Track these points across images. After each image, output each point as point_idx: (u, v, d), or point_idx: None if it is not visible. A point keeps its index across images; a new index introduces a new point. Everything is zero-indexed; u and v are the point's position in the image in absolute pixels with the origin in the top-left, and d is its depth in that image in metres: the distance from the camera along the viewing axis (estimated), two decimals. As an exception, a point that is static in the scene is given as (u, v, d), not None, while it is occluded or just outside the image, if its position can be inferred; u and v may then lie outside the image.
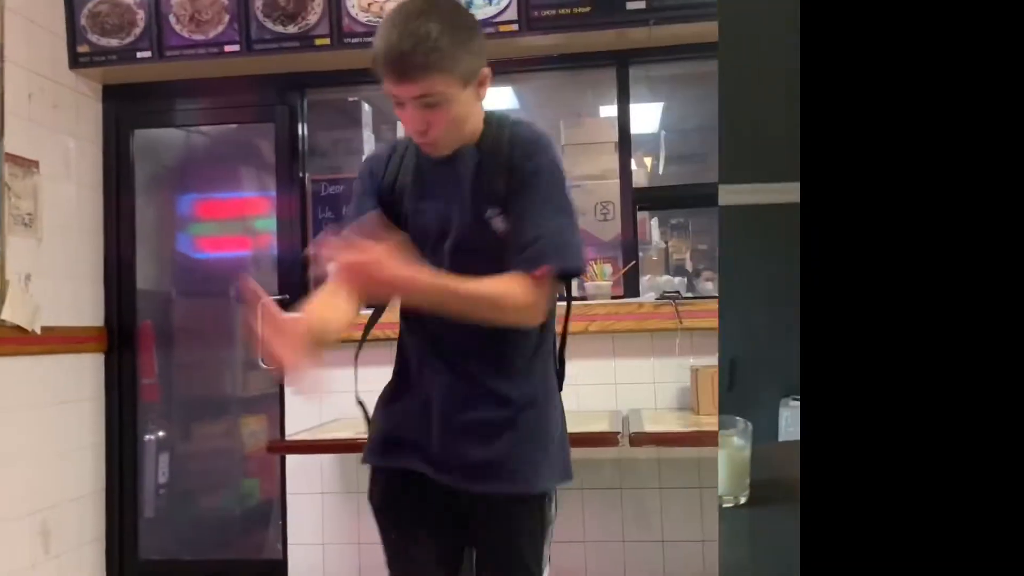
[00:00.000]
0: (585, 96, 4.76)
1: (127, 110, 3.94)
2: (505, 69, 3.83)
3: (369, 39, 3.50)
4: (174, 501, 4.02)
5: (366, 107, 4.15)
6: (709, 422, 2.89)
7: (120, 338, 3.87)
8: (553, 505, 1.69)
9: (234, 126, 4.17)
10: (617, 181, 3.76)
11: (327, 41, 3.56)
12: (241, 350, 4.02)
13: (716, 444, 3.09)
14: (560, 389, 1.78)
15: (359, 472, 3.49)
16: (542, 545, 1.67)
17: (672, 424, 2.90)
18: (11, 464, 3.23)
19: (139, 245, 3.95)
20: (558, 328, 1.77)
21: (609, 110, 4.02)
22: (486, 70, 1.63)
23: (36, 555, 3.35)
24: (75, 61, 3.68)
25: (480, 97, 1.65)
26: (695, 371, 3.16)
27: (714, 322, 3.29)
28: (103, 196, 3.91)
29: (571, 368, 3.34)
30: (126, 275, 3.90)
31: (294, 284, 3.77)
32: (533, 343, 1.68)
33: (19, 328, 3.26)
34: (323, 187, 3.83)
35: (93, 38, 3.66)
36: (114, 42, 3.66)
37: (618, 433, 2.74)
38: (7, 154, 3.28)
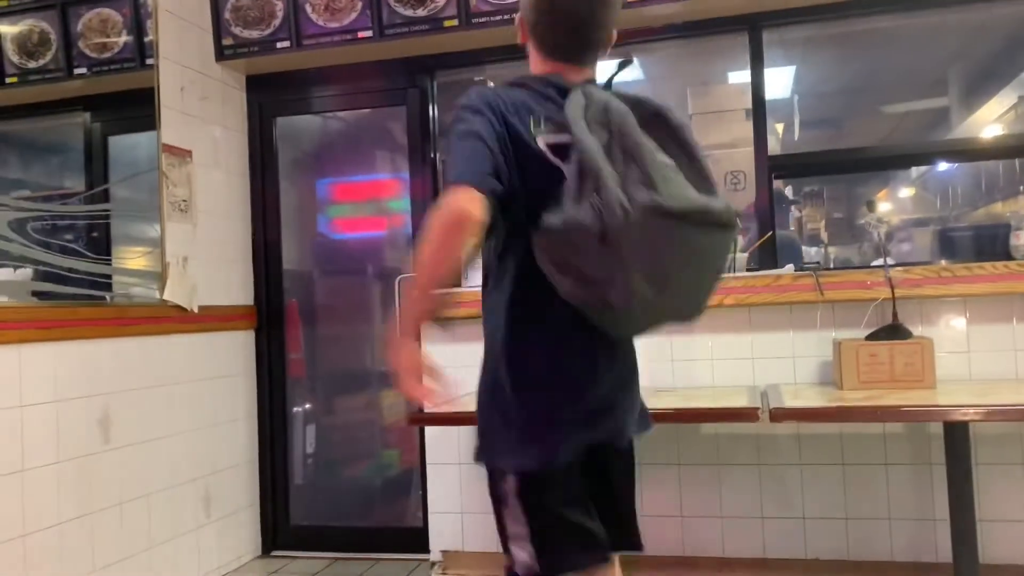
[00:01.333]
0: (712, 63, 4.63)
1: (269, 99, 4.13)
2: (628, 40, 3.78)
3: (497, 18, 3.56)
4: (320, 470, 4.23)
5: (491, 85, 4.18)
6: (853, 397, 2.79)
7: (269, 316, 4.09)
8: (509, 484, 1.70)
9: (368, 110, 4.29)
10: (745, 149, 3.65)
11: (455, 23, 3.61)
12: (379, 325, 4.16)
13: (861, 420, 2.98)
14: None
15: (495, 445, 3.57)
16: (502, 518, 1.72)
17: (814, 399, 2.81)
18: (175, 434, 3.48)
19: (283, 227, 4.15)
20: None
21: (737, 76, 3.91)
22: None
23: (199, 518, 3.60)
24: (221, 54, 3.88)
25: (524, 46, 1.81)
26: (838, 344, 3.05)
27: (858, 293, 3.17)
28: (249, 181, 4.12)
29: (707, 342, 3.29)
30: (272, 256, 4.11)
31: (428, 262, 3.86)
32: (494, 317, 1.77)
33: (179, 307, 3.50)
34: (453, 166, 3.89)
35: (236, 31, 3.85)
36: (255, 34, 3.84)
37: (758, 408, 2.68)
38: (164, 145, 3.52)
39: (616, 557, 1.86)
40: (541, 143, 1.60)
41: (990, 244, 3.54)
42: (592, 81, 1.76)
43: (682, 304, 1.61)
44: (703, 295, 1.62)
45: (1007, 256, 3.21)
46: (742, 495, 3.32)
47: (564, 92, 1.65)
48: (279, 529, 4.07)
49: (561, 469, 1.69)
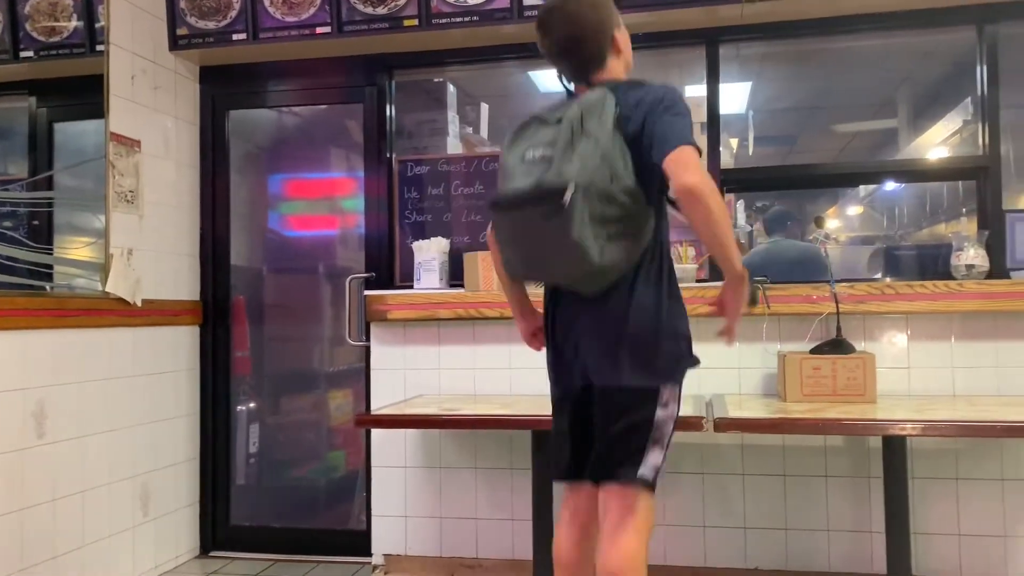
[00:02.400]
0: (670, 76, 4.68)
1: (223, 91, 4.06)
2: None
3: (457, 19, 3.55)
4: (263, 470, 4.17)
5: (451, 88, 4.17)
6: (796, 409, 2.84)
7: (215, 312, 4.02)
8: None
9: (324, 107, 4.25)
10: (702, 162, 3.68)
11: (415, 22, 3.59)
12: (328, 326, 4.12)
13: (803, 432, 3.03)
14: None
15: (442, 447, 3.56)
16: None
17: (757, 411, 2.85)
18: (114, 430, 3.39)
19: (233, 222, 4.08)
20: None
21: (694, 90, 3.94)
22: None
23: (136, 516, 3.52)
24: (175, 43, 3.81)
25: None
26: (783, 357, 3.10)
27: (803, 308, 3.22)
28: (200, 174, 4.05)
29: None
30: (221, 251, 4.04)
31: (381, 262, 3.84)
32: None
33: (121, 300, 3.42)
34: (409, 167, 3.88)
35: (191, 20, 3.78)
36: (211, 24, 3.77)
37: (703, 418, 2.71)
38: (111, 133, 3.43)
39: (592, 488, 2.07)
40: None
41: (932, 263, 3.63)
42: (602, 84, 1.98)
43: (537, 268, 1.98)
44: (548, 259, 1.88)
45: (948, 275, 3.29)
46: (685, 503, 3.35)
47: None
48: (219, 529, 3.99)
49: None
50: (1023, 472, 3.11)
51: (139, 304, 3.51)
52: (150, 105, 3.69)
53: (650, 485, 1.98)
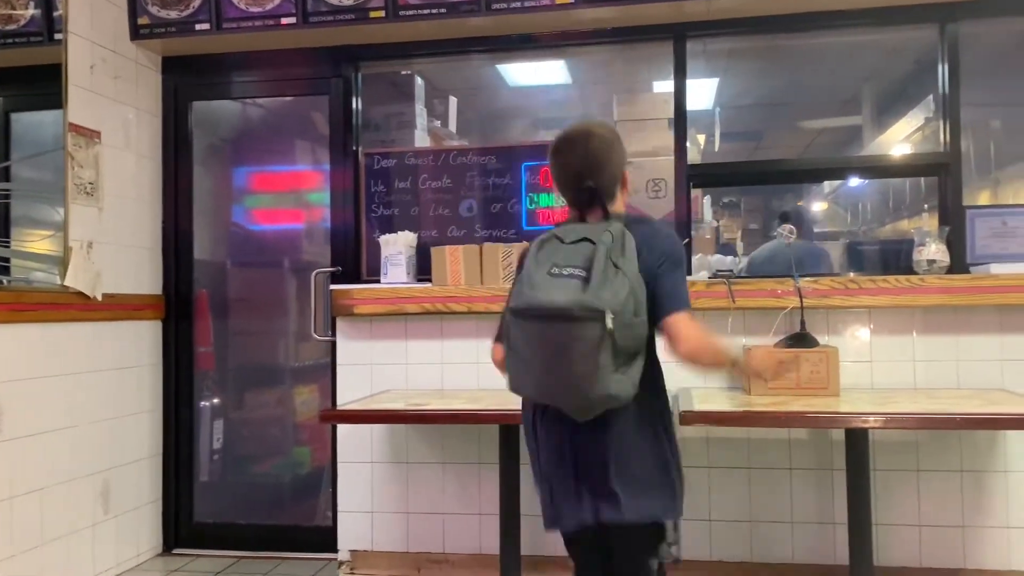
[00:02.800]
0: (638, 71, 4.69)
1: (186, 82, 4.00)
2: (558, 43, 3.82)
3: (425, 11, 3.52)
4: (228, 466, 4.12)
5: (419, 81, 4.15)
6: (760, 403, 2.86)
7: (177, 306, 3.96)
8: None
9: (289, 99, 4.20)
10: (669, 158, 3.71)
11: (382, 14, 3.56)
12: (294, 320, 4.07)
13: (767, 425, 3.05)
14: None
15: (408, 442, 3.54)
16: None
17: (723, 404, 2.87)
18: (74, 426, 3.33)
19: (196, 216, 4.02)
20: None
21: (662, 85, 3.96)
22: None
23: (97, 514, 3.46)
24: (136, 33, 3.74)
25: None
26: (747, 351, 3.11)
27: (768, 302, 3.25)
28: (162, 167, 3.98)
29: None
30: (183, 245, 3.98)
31: (347, 256, 3.81)
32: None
33: (81, 294, 3.35)
34: (376, 160, 3.85)
35: (153, 10, 3.72)
36: (173, 14, 3.71)
37: (668, 411, 2.72)
38: (70, 124, 3.36)
39: None
40: None
41: (895, 259, 3.68)
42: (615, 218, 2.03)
43: (555, 389, 1.91)
44: (571, 380, 1.86)
45: (910, 270, 3.34)
46: (652, 497, 3.36)
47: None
48: (182, 526, 3.94)
49: None
50: (981, 464, 3.17)
51: (99, 298, 3.44)
52: (110, 95, 3.62)
53: None
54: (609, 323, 1.79)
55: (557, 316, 1.82)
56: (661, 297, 1.93)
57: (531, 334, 1.89)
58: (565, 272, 1.88)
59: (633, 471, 1.95)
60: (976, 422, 2.71)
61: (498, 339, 2.15)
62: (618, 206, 2.10)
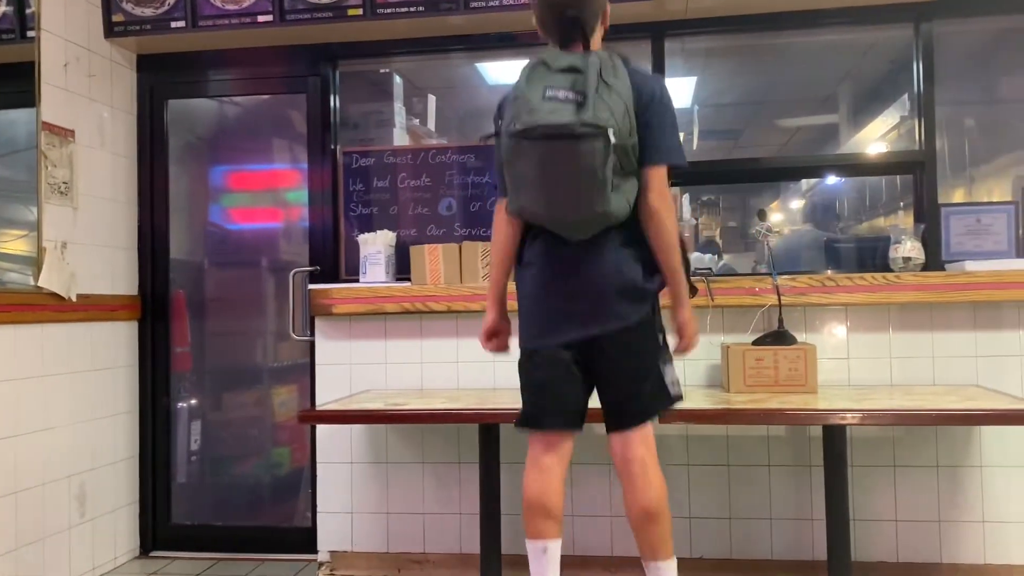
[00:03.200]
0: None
1: (161, 80, 3.96)
2: (536, 41, 3.80)
3: (403, 10, 3.51)
4: (206, 468, 4.08)
5: (397, 79, 4.13)
6: (739, 400, 2.88)
7: (154, 307, 3.92)
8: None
9: (266, 97, 4.17)
10: (648, 156, 3.71)
11: (359, 11, 3.54)
12: (272, 320, 4.05)
13: (746, 422, 3.07)
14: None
15: (388, 442, 3.53)
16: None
17: (701, 401, 2.88)
18: (49, 428, 3.29)
19: (172, 215, 3.98)
20: None
21: (642, 84, 3.97)
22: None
23: (72, 517, 3.42)
24: (110, 30, 3.69)
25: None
26: (726, 348, 3.13)
27: (746, 300, 3.26)
28: (137, 166, 3.94)
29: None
30: (160, 244, 3.95)
31: (326, 256, 3.78)
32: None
33: (55, 295, 3.31)
34: (354, 159, 3.83)
35: (128, 7, 3.68)
36: (148, 11, 3.67)
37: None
38: (44, 123, 3.32)
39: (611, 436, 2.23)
40: None
41: (871, 256, 3.71)
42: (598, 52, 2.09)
43: (560, 204, 1.98)
44: (574, 197, 1.95)
45: (886, 268, 3.37)
46: (632, 495, 3.37)
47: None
48: (159, 528, 3.91)
49: None
50: (957, 459, 3.20)
51: (74, 299, 3.40)
52: (84, 94, 3.58)
53: (678, 399, 2.22)
54: (612, 137, 1.87)
55: (561, 134, 1.88)
56: (647, 143, 2.00)
57: (534, 154, 1.93)
58: (559, 95, 1.93)
59: (630, 284, 2.08)
60: (952, 418, 2.75)
61: (499, 194, 2.22)
62: (597, 42, 2.16)
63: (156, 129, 3.96)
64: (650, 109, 2.01)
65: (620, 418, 2.18)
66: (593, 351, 2.15)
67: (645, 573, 2.25)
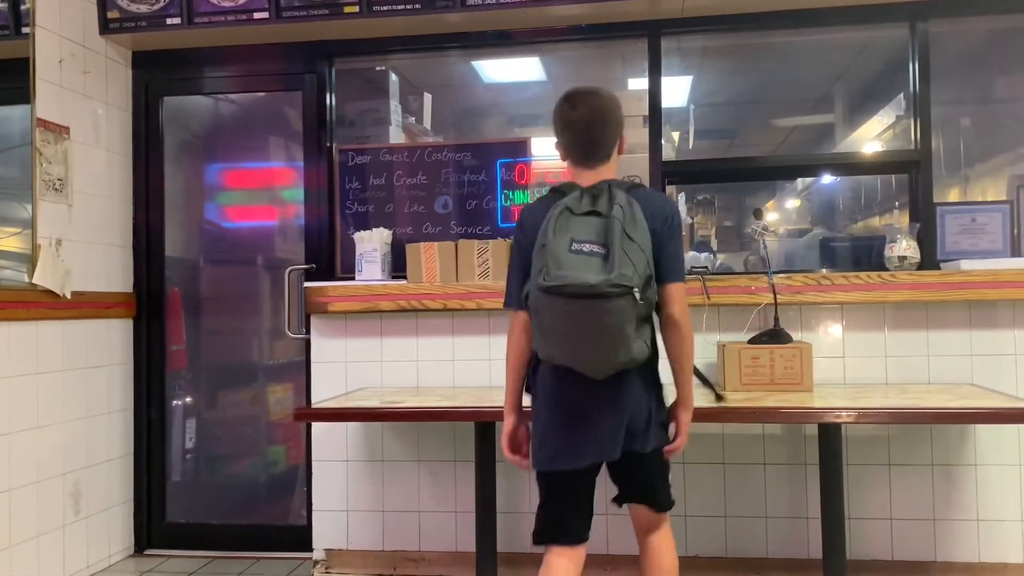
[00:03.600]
0: (613, 68, 4.70)
1: (156, 77, 3.95)
2: (532, 39, 3.81)
3: (399, 7, 3.50)
4: (201, 466, 4.08)
5: (393, 77, 4.12)
6: (735, 398, 2.88)
7: (149, 304, 3.91)
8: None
9: (262, 95, 4.16)
10: (644, 155, 3.72)
11: (356, 9, 3.53)
12: (267, 318, 4.04)
13: (741, 421, 3.07)
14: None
15: (384, 440, 3.52)
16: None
17: (697, 400, 2.87)
18: (43, 426, 3.28)
19: (168, 213, 3.98)
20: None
21: (637, 83, 3.96)
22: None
23: (67, 515, 3.41)
24: (105, 27, 3.68)
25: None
26: (722, 347, 3.13)
27: (742, 298, 3.26)
28: (132, 163, 3.93)
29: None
30: (155, 242, 3.94)
31: (322, 253, 3.78)
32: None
33: (50, 293, 3.30)
34: (350, 157, 3.83)
35: (123, 3, 3.66)
36: (143, 8, 3.66)
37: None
38: (38, 119, 3.31)
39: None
40: None
41: (867, 255, 3.71)
42: (616, 185, 2.19)
43: (588, 357, 2.08)
44: (602, 349, 2.05)
45: (881, 267, 3.37)
46: (627, 493, 3.37)
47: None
48: (154, 527, 3.90)
49: None
50: (952, 457, 3.21)
51: (68, 296, 3.39)
52: (79, 90, 3.57)
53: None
54: (637, 296, 1.99)
55: (588, 294, 1.97)
56: (664, 264, 2.15)
57: (562, 310, 2.02)
58: (585, 249, 2.03)
59: (646, 412, 2.22)
60: (947, 416, 2.76)
61: (512, 305, 2.30)
62: (613, 165, 2.26)
63: (151, 126, 3.95)
64: (665, 232, 2.15)
65: (652, 501, 2.37)
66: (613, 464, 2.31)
67: (641, 574, 2.42)
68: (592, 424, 2.19)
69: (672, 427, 2.35)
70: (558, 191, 2.22)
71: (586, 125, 2.19)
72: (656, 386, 2.28)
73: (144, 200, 3.93)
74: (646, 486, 2.35)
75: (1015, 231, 3.46)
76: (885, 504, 3.24)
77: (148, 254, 3.92)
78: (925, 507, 3.22)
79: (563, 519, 2.33)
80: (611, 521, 3.37)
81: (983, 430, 3.19)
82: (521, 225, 2.29)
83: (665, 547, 2.40)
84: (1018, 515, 3.17)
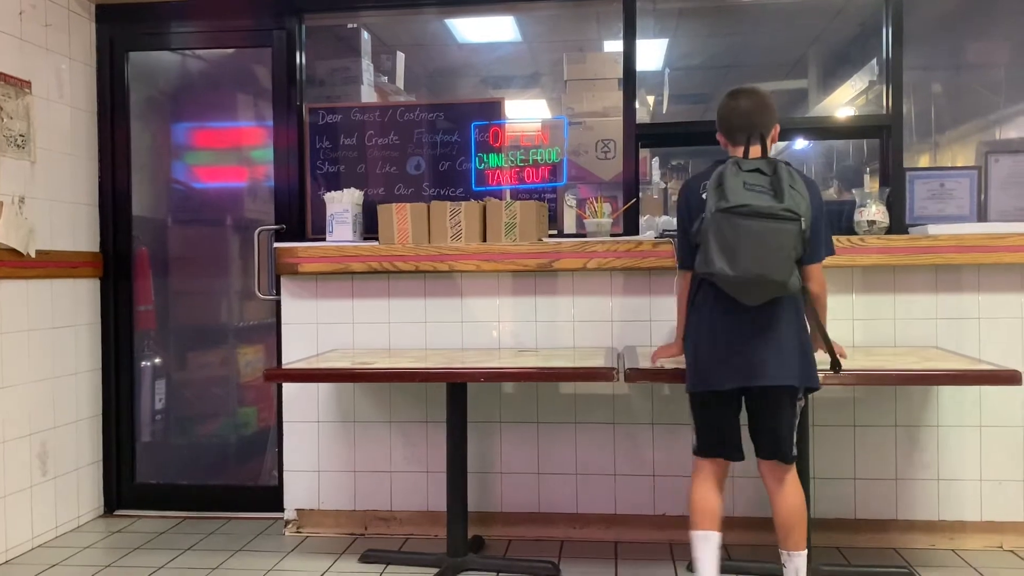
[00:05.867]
0: (588, 30, 4.66)
1: (122, 31, 3.86)
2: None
3: (370, -38, 3.42)
4: (171, 427, 4.06)
5: (365, 35, 4.06)
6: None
7: (116, 264, 3.85)
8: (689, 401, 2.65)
9: (231, 51, 4.08)
10: (618, 119, 3.70)
11: (326, -36, 3.46)
12: (237, 279, 4.00)
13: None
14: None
15: (355, 401, 3.52)
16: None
17: (667, 362, 2.90)
18: (8, 387, 3.24)
19: (135, 171, 3.90)
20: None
21: (613, 45, 3.94)
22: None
23: (34, 476, 3.39)
24: (67, -22, 3.58)
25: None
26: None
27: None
28: (97, 120, 3.85)
29: (570, 305, 3.40)
30: (122, 201, 3.87)
31: (292, 214, 3.74)
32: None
33: (13, 251, 3.25)
34: (321, 116, 3.77)
35: (85, -45, 3.56)
36: (107, -40, 3.56)
37: (614, 368, 2.75)
38: (-2, 73, 3.23)
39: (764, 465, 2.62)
40: None
41: (837, 219, 3.74)
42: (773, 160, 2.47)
43: (754, 269, 2.32)
44: (768, 264, 2.32)
45: (851, 231, 3.40)
46: (596, 453, 3.41)
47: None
48: (124, 487, 3.88)
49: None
50: (915, 419, 3.27)
51: (33, 255, 3.34)
52: (41, 44, 3.47)
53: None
54: (803, 224, 2.30)
55: (763, 214, 2.30)
56: (815, 242, 2.46)
57: (736, 226, 2.31)
58: (756, 188, 2.35)
59: (796, 342, 2.47)
60: (910, 378, 2.81)
61: (685, 266, 2.67)
62: (769, 150, 2.55)
63: (117, 82, 3.87)
64: (816, 213, 2.43)
65: (775, 451, 2.57)
66: (756, 397, 2.55)
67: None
68: (744, 350, 2.45)
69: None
70: (719, 162, 2.50)
71: (747, 114, 2.56)
72: (804, 326, 2.52)
73: (110, 158, 3.85)
74: (776, 434, 2.53)
75: (982, 197, 3.50)
76: (849, 464, 3.30)
77: (115, 213, 3.86)
78: (888, 467, 3.29)
79: (717, 438, 2.60)
80: (580, 481, 3.41)
81: (945, 392, 3.25)
82: (685, 191, 2.66)
83: (792, 494, 2.58)
84: (976, 475, 3.25)
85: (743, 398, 2.58)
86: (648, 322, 3.38)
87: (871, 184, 3.84)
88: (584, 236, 3.47)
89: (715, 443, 2.61)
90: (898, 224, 3.41)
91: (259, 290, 3.72)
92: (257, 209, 3.96)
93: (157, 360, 4.01)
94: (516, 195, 3.64)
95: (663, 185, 5.78)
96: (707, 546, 2.57)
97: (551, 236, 3.54)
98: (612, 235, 3.46)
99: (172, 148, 4.13)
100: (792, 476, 2.58)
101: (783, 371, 2.46)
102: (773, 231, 2.31)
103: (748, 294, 2.40)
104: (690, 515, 2.62)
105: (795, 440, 2.57)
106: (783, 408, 2.52)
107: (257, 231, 3.74)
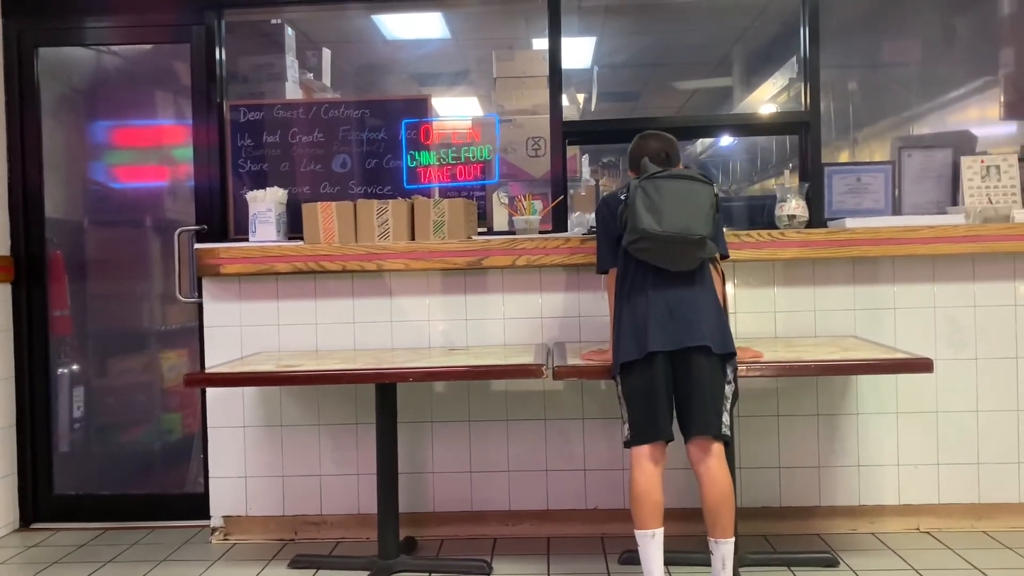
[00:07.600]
0: (517, 27, 4.67)
1: (30, 25, 3.71)
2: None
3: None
4: (91, 436, 3.92)
5: (289, 31, 3.99)
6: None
7: (28, 268, 3.71)
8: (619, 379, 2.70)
9: (149, 47, 3.96)
10: (546, 116, 3.71)
11: (245, -43, 3.39)
12: (159, 282, 3.89)
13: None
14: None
15: (282, 405, 3.46)
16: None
17: (595, 357, 2.92)
18: (-88, 398, 3.09)
19: (47, 172, 3.76)
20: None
21: (542, 43, 3.95)
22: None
23: (-57, 491, 3.24)
24: (-30, -30, 3.43)
25: None
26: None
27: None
28: (5, 118, 3.70)
29: (500, 302, 3.40)
30: (33, 202, 3.73)
31: (213, 214, 3.65)
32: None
33: (-84, 256, 3.10)
34: (242, 113, 3.69)
35: (-10, -54, 3.42)
36: (13, -49, 3.42)
37: (543, 365, 2.76)
38: None
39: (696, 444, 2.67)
40: None
41: (760, 214, 3.82)
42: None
43: (680, 222, 2.51)
44: (691, 219, 2.52)
45: (772, 225, 3.47)
46: (528, 449, 3.41)
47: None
48: (41, 500, 3.74)
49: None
50: (835, 407, 3.36)
51: (-63, 260, 3.19)
52: (-58, 39, 3.32)
53: (729, 441, 2.70)
54: (716, 191, 2.61)
55: (684, 176, 2.60)
56: (719, 239, 2.75)
57: (661, 187, 2.56)
58: (674, 172, 2.65)
59: (718, 318, 2.64)
60: (830, 368, 2.89)
61: (605, 266, 2.82)
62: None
63: (25, 79, 3.72)
64: (718, 215, 2.67)
65: (702, 427, 2.62)
66: (686, 363, 2.60)
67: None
68: (674, 316, 2.58)
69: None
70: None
71: (662, 149, 2.81)
72: (718, 298, 2.69)
73: (20, 158, 3.70)
74: (702, 395, 2.59)
75: (896, 191, 3.62)
76: (773, 453, 3.38)
77: (26, 215, 3.71)
78: (811, 455, 3.37)
79: (658, 414, 2.62)
80: (512, 478, 3.41)
81: (864, 381, 3.35)
82: (605, 200, 2.86)
83: (720, 478, 2.63)
84: (894, 460, 3.36)
85: (672, 371, 2.61)
86: (577, 318, 3.40)
87: (792, 179, 3.93)
88: (514, 234, 3.47)
89: (649, 423, 2.63)
90: (817, 218, 3.50)
91: (180, 293, 3.62)
92: (178, 209, 3.85)
93: (75, 367, 3.87)
94: (447, 193, 3.62)
95: (592, 182, 5.83)
96: (654, 544, 2.61)
97: (481, 234, 3.53)
98: (541, 232, 3.47)
99: (88, 147, 3.99)
100: (721, 459, 2.63)
101: (709, 334, 2.58)
102: (693, 190, 2.58)
103: (672, 255, 2.58)
104: (633, 512, 2.63)
105: (727, 421, 2.63)
106: (714, 372, 2.60)
107: (177, 232, 3.64)
